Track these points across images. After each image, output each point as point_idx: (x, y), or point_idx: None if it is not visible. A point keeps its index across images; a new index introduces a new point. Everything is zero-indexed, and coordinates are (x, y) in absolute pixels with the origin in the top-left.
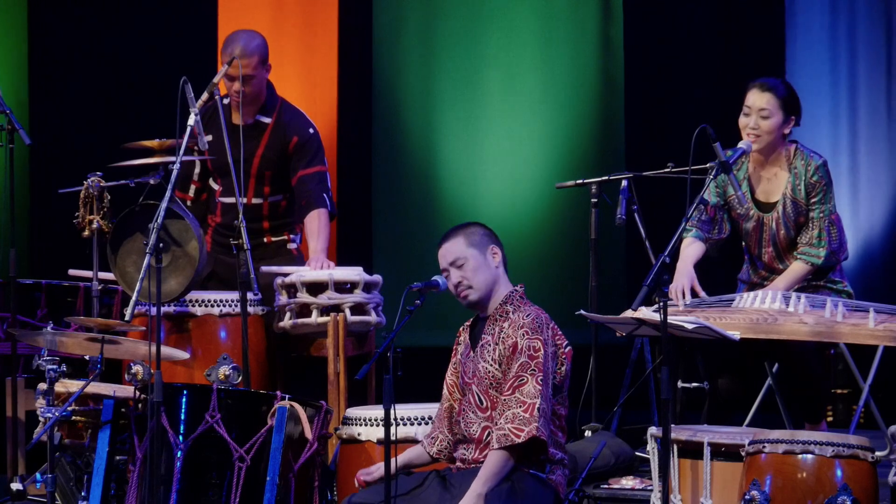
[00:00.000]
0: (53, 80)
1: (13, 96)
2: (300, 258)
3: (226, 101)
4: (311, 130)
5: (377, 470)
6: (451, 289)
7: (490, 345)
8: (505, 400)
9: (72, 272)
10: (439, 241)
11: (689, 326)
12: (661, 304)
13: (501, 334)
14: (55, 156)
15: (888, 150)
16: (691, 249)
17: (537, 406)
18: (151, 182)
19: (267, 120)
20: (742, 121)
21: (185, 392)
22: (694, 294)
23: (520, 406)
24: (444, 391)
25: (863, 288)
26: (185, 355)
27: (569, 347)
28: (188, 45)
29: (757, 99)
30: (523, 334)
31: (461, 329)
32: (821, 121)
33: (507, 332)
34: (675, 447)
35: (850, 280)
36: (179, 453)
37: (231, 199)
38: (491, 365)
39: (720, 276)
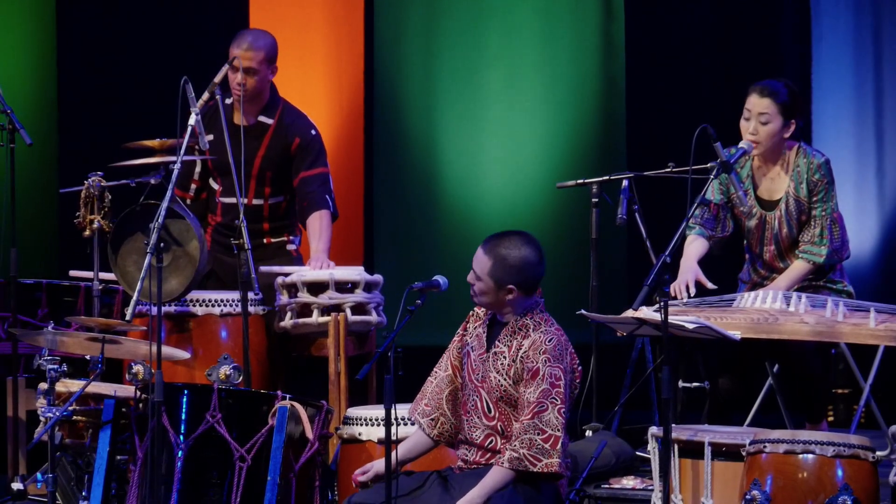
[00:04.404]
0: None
1: (42, 95)
2: (299, 259)
3: (227, 101)
4: (313, 132)
5: (372, 468)
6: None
7: (505, 357)
8: (524, 424)
9: (73, 273)
10: (486, 239)
11: (690, 326)
12: (662, 303)
13: (521, 353)
14: (55, 155)
15: None
16: (694, 247)
17: (561, 440)
18: (152, 182)
19: (269, 121)
20: (742, 124)
21: (185, 392)
22: (701, 286)
23: (539, 434)
24: (448, 371)
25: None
26: (185, 355)
27: (580, 367)
28: (189, 44)
29: (756, 103)
30: (546, 360)
31: (473, 314)
32: (846, 123)
33: (528, 353)
34: (676, 447)
35: (852, 281)
36: (180, 453)
37: (231, 200)
38: (504, 380)
39: (722, 275)
